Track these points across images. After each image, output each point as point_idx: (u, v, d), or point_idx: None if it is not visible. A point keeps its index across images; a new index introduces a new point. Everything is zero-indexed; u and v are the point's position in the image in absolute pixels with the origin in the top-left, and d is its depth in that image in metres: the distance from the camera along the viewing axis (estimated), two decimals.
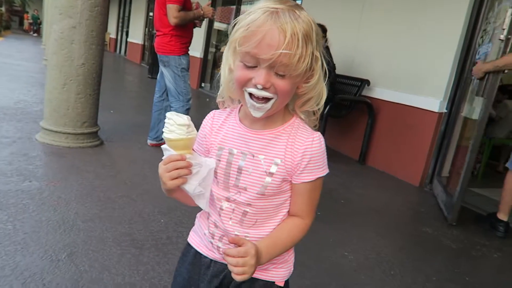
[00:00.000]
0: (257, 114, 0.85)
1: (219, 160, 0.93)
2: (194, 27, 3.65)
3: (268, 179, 0.89)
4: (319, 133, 0.90)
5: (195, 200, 0.88)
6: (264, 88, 0.81)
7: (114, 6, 19.30)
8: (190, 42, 3.61)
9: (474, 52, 3.48)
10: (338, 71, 4.34)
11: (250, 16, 0.79)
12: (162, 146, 0.84)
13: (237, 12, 7.80)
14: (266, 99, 0.83)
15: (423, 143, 3.87)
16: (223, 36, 9.08)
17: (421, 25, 3.94)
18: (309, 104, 0.91)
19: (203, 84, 9.23)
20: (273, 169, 0.88)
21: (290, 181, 0.91)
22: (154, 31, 3.84)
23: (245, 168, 0.90)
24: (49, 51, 3.40)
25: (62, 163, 2.99)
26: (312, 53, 0.81)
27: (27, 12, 29.01)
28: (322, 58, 0.86)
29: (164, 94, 3.74)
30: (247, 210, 0.91)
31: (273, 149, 0.89)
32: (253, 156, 0.89)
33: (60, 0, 3.10)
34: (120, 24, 18.98)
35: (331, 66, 4.10)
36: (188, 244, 1.04)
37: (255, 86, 0.81)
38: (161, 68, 3.61)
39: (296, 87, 0.85)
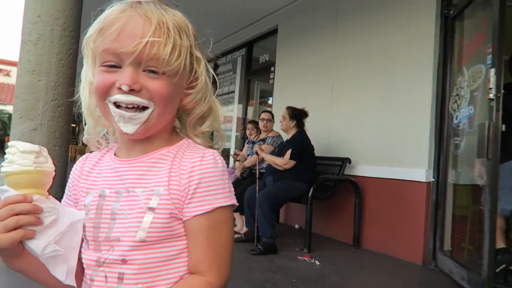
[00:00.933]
0: (130, 129, 0.65)
1: (89, 210, 0.69)
2: None
3: (148, 216, 0.64)
4: (214, 150, 0.71)
5: (48, 266, 0.59)
6: (132, 91, 0.63)
7: None
8: None
9: (449, 117, 3.46)
10: (317, 153, 4.25)
11: (105, 11, 0.65)
12: None
13: None
14: (139, 109, 0.64)
15: (418, 217, 3.62)
16: None
17: (390, 98, 3.98)
18: (205, 124, 0.74)
19: None
20: (154, 202, 0.65)
21: (182, 219, 0.67)
22: None
23: (120, 211, 0.67)
24: None
25: None
26: (191, 49, 0.68)
27: (9, 135, 29.60)
28: (207, 63, 0.72)
29: None
30: (123, 270, 0.64)
31: (153, 177, 0.68)
32: (129, 192, 0.67)
33: (20, 103, 3.00)
34: None
35: (311, 149, 4.01)
36: None
37: (120, 90, 0.62)
38: None
39: (177, 94, 0.69)
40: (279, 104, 5.56)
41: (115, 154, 0.75)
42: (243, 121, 6.68)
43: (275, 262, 3.43)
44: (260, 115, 4.70)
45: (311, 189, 3.77)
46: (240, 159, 4.71)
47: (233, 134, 7.11)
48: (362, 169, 4.23)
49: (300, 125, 4.02)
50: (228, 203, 0.68)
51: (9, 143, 0.61)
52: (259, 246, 3.64)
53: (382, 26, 4.12)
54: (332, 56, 4.77)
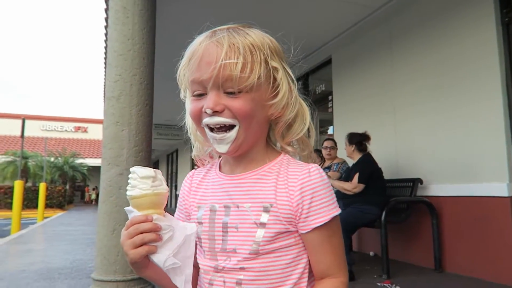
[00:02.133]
0: (223, 149, 0.71)
1: (201, 223, 0.76)
2: None
3: (260, 231, 0.70)
4: (315, 164, 0.75)
5: (170, 276, 0.67)
6: (216, 113, 0.69)
7: (163, 163, 20.94)
8: None
9: None
10: (385, 175, 4.18)
11: (190, 44, 0.74)
12: (125, 208, 0.68)
13: None
14: (227, 128, 0.70)
15: (503, 235, 3.37)
16: None
17: (457, 112, 3.85)
18: (293, 129, 0.77)
19: None
20: (264, 218, 0.70)
21: (296, 231, 0.72)
22: None
23: (231, 224, 0.73)
24: (99, 201, 3.56)
25: None
26: (266, 62, 0.72)
27: (88, 185, 32.07)
28: (288, 70, 0.76)
29: None
30: (241, 277, 0.70)
31: (259, 193, 0.72)
32: (238, 206, 0.73)
33: (107, 152, 3.36)
34: (169, 180, 20.29)
35: (379, 171, 3.96)
36: None
37: (207, 114, 0.70)
38: None
39: (260, 107, 0.72)
40: (340, 131, 5.58)
41: (220, 169, 0.80)
42: None
43: None
44: (323, 143, 4.76)
45: (384, 213, 3.70)
46: None
47: None
48: (435, 188, 4.07)
49: (362, 149, 4.01)
50: (340, 211, 0.74)
51: (130, 169, 0.69)
52: None
53: (439, 41, 4.08)
54: (390, 76, 4.75)
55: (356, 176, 3.78)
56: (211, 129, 0.71)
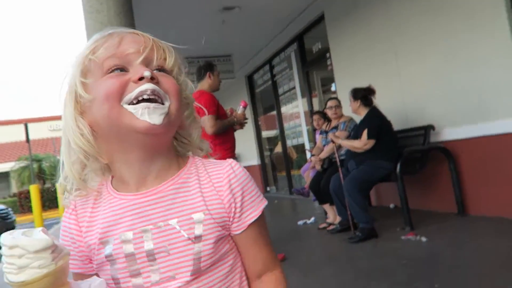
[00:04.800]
0: (156, 119, 0.61)
1: (113, 260, 0.62)
2: (234, 131, 3.67)
3: (198, 247, 0.61)
4: (231, 159, 0.71)
5: None
6: (152, 80, 0.62)
7: None
8: (234, 146, 3.59)
9: None
10: (395, 126, 4.04)
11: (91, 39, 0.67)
12: None
13: (279, 116, 8.02)
14: (159, 101, 0.63)
15: None
16: (273, 140, 9.28)
17: (465, 48, 3.65)
18: (195, 132, 0.75)
19: (268, 188, 9.16)
20: (198, 229, 0.61)
21: (229, 234, 0.65)
22: None
23: (158, 249, 0.62)
24: None
25: None
26: (180, 68, 0.72)
27: None
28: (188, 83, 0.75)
29: None
30: None
31: (185, 204, 0.63)
32: (160, 227, 0.61)
33: None
34: None
35: (388, 124, 3.82)
36: None
37: (139, 81, 0.61)
38: None
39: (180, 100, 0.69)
40: (343, 87, 5.40)
41: (115, 190, 0.67)
42: (311, 114, 6.60)
43: (379, 247, 3.32)
44: (326, 104, 4.61)
45: (398, 165, 3.60)
46: (315, 153, 4.66)
47: (304, 128, 7.06)
48: (448, 133, 3.93)
49: (368, 104, 3.86)
50: (265, 202, 0.69)
51: (4, 242, 0.48)
52: (358, 233, 3.55)
53: None
54: (389, 23, 4.52)
55: (365, 132, 3.66)
56: (138, 101, 0.62)
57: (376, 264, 2.90)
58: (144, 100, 0.62)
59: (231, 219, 0.65)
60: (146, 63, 0.64)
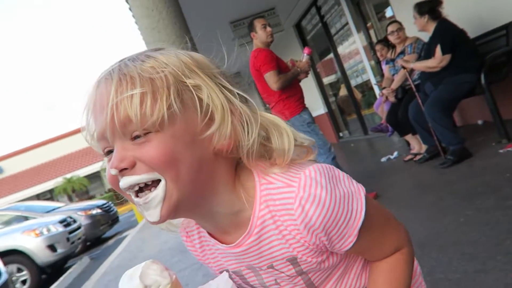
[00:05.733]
0: (153, 216, 0.53)
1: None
2: (300, 81, 3.58)
3: (304, 277, 0.62)
4: (300, 178, 0.55)
5: None
6: (124, 171, 0.52)
7: None
8: (303, 97, 3.52)
9: None
10: (471, 34, 3.64)
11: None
12: None
13: (337, 57, 7.69)
14: (149, 187, 0.53)
15: None
16: (335, 84, 8.99)
17: None
18: (276, 147, 0.57)
19: (341, 134, 8.98)
20: (297, 267, 0.60)
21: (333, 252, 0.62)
22: (268, 109, 3.89)
23: (269, 282, 0.65)
24: None
25: None
26: (180, 83, 0.53)
27: None
28: (224, 83, 0.55)
29: None
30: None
31: (273, 252, 0.60)
32: (261, 268, 0.62)
33: None
34: None
35: (462, 33, 3.45)
36: None
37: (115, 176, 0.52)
38: None
39: (191, 144, 0.52)
40: (401, 8, 4.97)
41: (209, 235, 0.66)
42: (371, 45, 6.23)
43: (476, 165, 3.11)
44: (387, 30, 4.29)
45: (482, 75, 3.27)
46: (385, 85, 4.41)
47: (367, 64, 6.70)
48: None
49: (436, 17, 3.51)
50: (362, 209, 0.58)
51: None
52: (449, 157, 3.35)
53: None
54: None
55: (438, 48, 3.34)
56: (135, 194, 0.54)
57: (477, 182, 2.73)
58: (136, 193, 0.55)
59: (326, 249, 0.60)
60: (118, 135, 0.52)
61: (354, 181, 0.60)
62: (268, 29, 3.49)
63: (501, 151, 3.12)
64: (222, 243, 0.62)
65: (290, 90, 3.39)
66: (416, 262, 0.73)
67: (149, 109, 0.50)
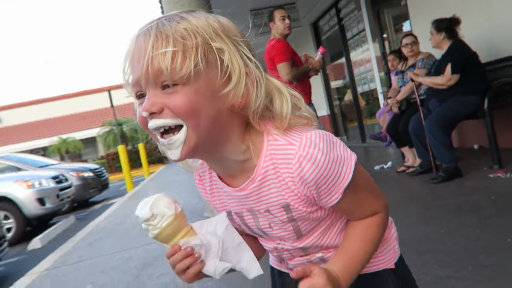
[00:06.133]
0: (174, 155, 0.63)
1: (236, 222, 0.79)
2: (309, 78, 3.66)
3: (294, 224, 0.73)
4: (301, 139, 0.65)
5: (242, 271, 0.72)
6: (153, 115, 0.61)
7: None
8: (310, 92, 3.61)
9: None
10: (482, 59, 3.73)
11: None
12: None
13: (348, 62, 7.74)
14: (173, 130, 0.62)
15: None
16: (342, 89, 9.05)
17: None
18: (276, 111, 0.67)
19: (339, 138, 9.07)
20: (289, 213, 0.71)
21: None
22: None
23: (263, 225, 0.75)
24: None
25: None
26: (207, 45, 0.61)
27: None
28: (244, 49, 0.64)
29: None
30: (301, 246, 0.77)
31: (270, 197, 0.70)
32: (260, 211, 0.73)
33: None
34: None
35: (474, 56, 3.53)
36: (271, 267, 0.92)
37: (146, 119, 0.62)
38: None
39: (207, 98, 0.61)
40: (418, 23, 5.05)
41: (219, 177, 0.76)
42: (383, 55, 6.30)
43: (465, 185, 3.22)
44: (401, 42, 4.36)
45: (486, 100, 3.37)
46: (391, 95, 4.49)
47: (376, 73, 6.77)
48: None
49: (452, 36, 3.59)
50: (350, 172, 0.67)
51: (141, 216, 0.69)
52: (441, 173, 3.45)
53: None
54: None
55: (449, 67, 3.43)
56: (161, 135, 0.64)
57: (463, 200, 2.83)
58: (161, 134, 0.64)
59: (314, 200, 0.69)
60: (152, 84, 0.61)
61: (348, 149, 0.70)
62: (287, 21, 3.56)
63: (491, 175, 3.23)
64: (229, 186, 0.72)
65: (300, 83, 3.47)
66: (394, 228, 0.85)
67: (179, 65, 0.59)
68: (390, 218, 0.83)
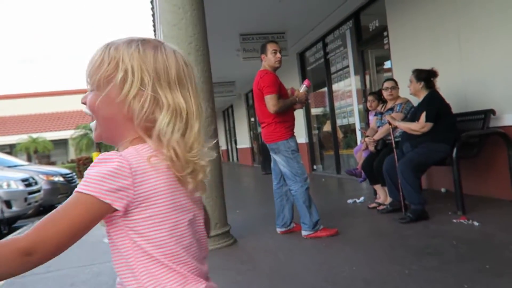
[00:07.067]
0: (95, 136, 0.86)
1: None
2: (294, 110, 3.82)
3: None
4: (115, 153, 0.75)
5: None
6: (84, 105, 0.83)
7: (220, 121, 21.52)
8: (293, 125, 3.75)
9: None
10: (454, 110, 4.01)
11: None
12: None
13: (330, 94, 8.02)
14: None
15: None
16: (322, 118, 9.31)
17: None
18: (158, 126, 0.77)
19: (315, 167, 9.29)
20: None
21: None
22: (259, 126, 4.10)
23: None
24: None
25: None
26: (117, 64, 0.76)
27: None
28: (146, 78, 0.76)
29: (281, 180, 3.83)
30: None
31: None
32: None
33: None
34: (228, 136, 20.89)
35: (447, 107, 3.80)
36: None
37: None
38: (273, 156, 3.76)
39: (110, 105, 0.78)
40: (399, 68, 5.35)
41: None
42: (363, 93, 6.59)
43: (430, 228, 3.41)
44: (383, 85, 4.62)
45: (455, 149, 3.61)
46: (369, 134, 4.71)
47: (355, 107, 7.06)
48: (509, 118, 3.86)
49: (429, 86, 3.85)
50: (82, 190, 0.71)
51: None
52: (409, 214, 3.64)
53: None
54: (455, 3, 4.40)
55: (423, 115, 3.68)
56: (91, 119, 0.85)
57: (426, 243, 3.00)
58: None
59: None
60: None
61: (106, 184, 0.71)
62: (278, 55, 3.74)
63: (454, 221, 3.44)
64: None
65: (284, 115, 3.62)
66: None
67: (93, 71, 0.81)
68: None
